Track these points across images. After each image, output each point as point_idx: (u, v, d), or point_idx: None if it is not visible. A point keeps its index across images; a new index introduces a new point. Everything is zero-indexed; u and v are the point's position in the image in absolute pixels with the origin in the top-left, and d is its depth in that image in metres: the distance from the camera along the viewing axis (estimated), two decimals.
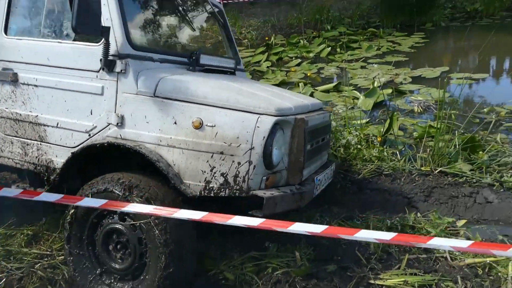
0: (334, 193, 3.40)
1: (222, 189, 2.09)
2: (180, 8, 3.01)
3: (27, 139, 2.59)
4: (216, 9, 3.47)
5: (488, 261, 2.29)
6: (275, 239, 2.61)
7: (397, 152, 3.90)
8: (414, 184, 3.40)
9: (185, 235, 2.08)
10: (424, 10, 10.67)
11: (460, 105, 5.44)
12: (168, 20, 2.95)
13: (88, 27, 2.05)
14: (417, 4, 10.51)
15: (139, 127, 2.23)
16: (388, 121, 4.32)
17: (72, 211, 2.19)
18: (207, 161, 2.11)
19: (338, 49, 8.77)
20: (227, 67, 3.10)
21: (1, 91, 2.62)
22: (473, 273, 2.25)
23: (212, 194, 2.09)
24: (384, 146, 4.09)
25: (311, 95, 6.13)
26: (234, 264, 2.45)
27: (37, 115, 2.52)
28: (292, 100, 2.50)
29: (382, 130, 4.34)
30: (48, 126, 2.49)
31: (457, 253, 2.32)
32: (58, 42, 2.45)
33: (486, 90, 6.09)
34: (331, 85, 6.41)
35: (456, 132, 3.84)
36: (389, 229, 2.60)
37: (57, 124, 2.46)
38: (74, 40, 2.43)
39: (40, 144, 2.55)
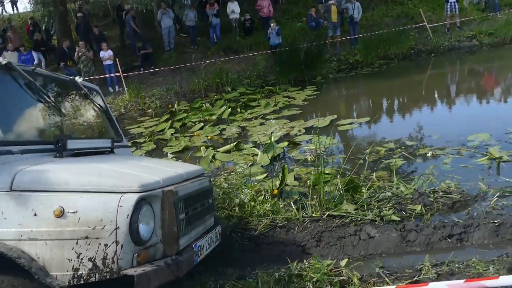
0: (232, 254, 3.45)
1: (92, 275, 2.02)
2: (49, 94, 2.94)
3: None
4: (92, 91, 3.52)
5: None
6: None
7: (291, 203, 4.10)
8: (305, 232, 3.57)
9: None
10: (313, 65, 11.77)
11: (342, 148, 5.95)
12: (34, 108, 2.87)
13: None
14: (306, 61, 11.59)
15: None
16: (280, 173, 4.58)
17: None
18: (73, 248, 2.04)
19: (239, 109, 9.21)
20: (102, 147, 3.11)
21: None
22: None
23: (82, 282, 2.02)
24: (281, 198, 4.29)
25: (213, 157, 6.30)
26: None
27: None
28: (163, 172, 2.56)
29: (277, 183, 4.57)
30: None
31: None
32: None
33: (368, 131, 6.77)
34: (231, 145, 6.63)
35: (338, 175, 4.17)
36: (277, 281, 2.68)
37: None
38: None
39: None
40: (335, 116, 7.59)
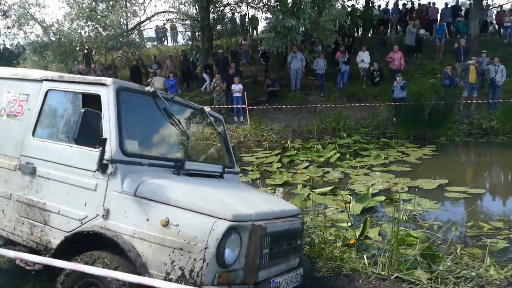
0: None
1: (179, 281, 2.38)
2: (180, 119, 3.47)
3: (34, 221, 3.06)
4: (216, 121, 4.06)
5: None
6: None
7: (364, 256, 4.09)
8: (368, 286, 3.55)
9: None
10: (438, 124, 11.18)
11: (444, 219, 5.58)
12: (165, 129, 3.46)
13: (86, 139, 2.71)
14: (431, 118, 11.09)
15: (119, 220, 2.66)
16: (362, 225, 4.59)
17: (62, 278, 2.60)
18: (169, 255, 2.45)
19: (347, 156, 9.26)
20: (214, 171, 3.57)
21: (22, 181, 3.15)
22: None
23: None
24: (356, 249, 4.29)
25: (308, 196, 6.51)
26: None
27: (45, 202, 3.01)
28: (259, 207, 2.85)
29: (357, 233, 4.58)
30: (51, 212, 2.97)
31: None
32: (69, 145, 2.98)
33: (478, 204, 6.22)
34: (328, 189, 6.78)
35: (417, 242, 4.02)
36: None
37: (59, 211, 2.93)
38: (80, 145, 2.88)
39: (44, 226, 3.01)
40: (446, 181, 7.15)
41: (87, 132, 2.70)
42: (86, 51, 17.21)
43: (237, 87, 13.09)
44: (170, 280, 2.41)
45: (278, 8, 12.98)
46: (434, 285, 3.54)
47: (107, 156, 2.74)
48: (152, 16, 16.10)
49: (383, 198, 6.31)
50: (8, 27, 17.67)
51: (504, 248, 4.55)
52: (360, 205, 5.90)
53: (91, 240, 2.69)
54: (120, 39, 15.09)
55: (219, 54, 15.95)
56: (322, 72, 14.37)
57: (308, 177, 7.68)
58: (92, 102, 3.00)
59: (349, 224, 5.20)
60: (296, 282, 3.02)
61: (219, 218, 2.44)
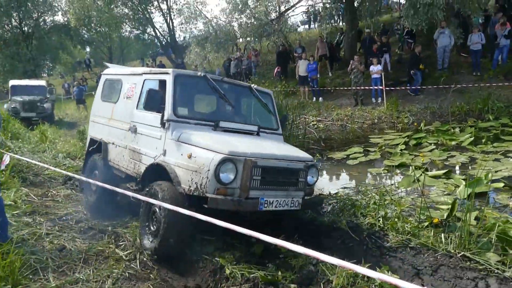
0: (357, 253, 4.08)
1: (194, 190, 3.78)
2: (226, 94, 4.73)
3: (135, 160, 4.72)
4: (265, 95, 5.22)
5: None
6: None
7: (442, 234, 4.21)
8: (431, 259, 3.77)
9: (180, 221, 3.68)
10: None
11: None
12: (212, 101, 4.96)
13: (151, 107, 4.28)
14: None
15: (169, 156, 4.14)
16: (450, 206, 4.64)
17: (143, 205, 4.05)
18: (190, 175, 3.83)
19: (484, 140, 8.57)
20: (249, 130, 4.72)
21: (131, 136, 4.86)
22: None
23: (190, 193, 3.80)
24: (439, 229, 4.42)
25: (418, 179, 6.55)
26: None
27: (140, 148, 4.66)
28: (262, 149, 4.01)
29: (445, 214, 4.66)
30: (142, 154, 4.60)
31: None
32: (150, 112, 4.52)
33: None
34: (441, 172, 6.65)
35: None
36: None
37: (145, 153, 4.53)
38: (151, 111, 4.45)
39: (139, 163, 4.62)
40: None
41: (153, 102, 4.24)
42: (239, 40, 19.28)
43: (375, 68, 13.05)
44: (190, 190, 3.78)
45: None
46: (502, 267, 3.54)
47: (165, 118, 4.26)
48: (298, 2, 16.97)
49: (501, 184, 5.93)
50: (181, 23, 20.99)
51: None
52: (468, 189, 5.72)
53: (157, 170, 4.18)
54: (266, 27, 16.46)
55: (366, 34, 15.88)
56: (477, 47, 13.01)
57: (422, 160, 7.54)
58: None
59: (447, 206, 5.24)
60: (292, 206, 4.03)
61: (218, 152, 3.73)
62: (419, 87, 13.03)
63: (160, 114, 4.32)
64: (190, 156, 3.84)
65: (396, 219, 4.33)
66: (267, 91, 5.37)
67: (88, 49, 39.43)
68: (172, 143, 4.12)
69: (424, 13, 11.31)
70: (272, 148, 4.22)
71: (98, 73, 32.88)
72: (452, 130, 9.75)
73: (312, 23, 25.72)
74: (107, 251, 3.92)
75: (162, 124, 4.27)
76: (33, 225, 4.47)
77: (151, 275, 3.56)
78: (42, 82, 19.90)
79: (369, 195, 5.42)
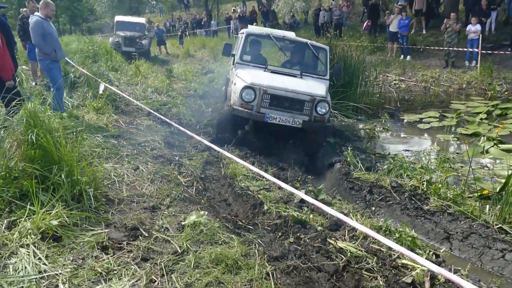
0: (395, 210, 4.27)
1: (233, 103, 5.92)
2: (283, 48, 7.00)
3: (226, 87, 7.23)
4: (320, 50, 6.82)
5: None
6: None
7: (487, 205, 4.20)
8: (464, 226, 3.85)
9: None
10: None
11: None
12: (270, 52, 7.04)
13: (228, 54, 6.84)
14: None
15: (234, 81, 6.14)
16: (505, 180, 4.51)
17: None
18: (231, 94, 6.11)
19: None
20: (293, 72, 6.44)
21: (230, 85, 6.60)
22: None
23: (231, 105, 5.96)
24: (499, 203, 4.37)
25: (487, 150, 6.29)
26: None
27: (235, 83, 6.20)
28: (280, 84, 5.80)
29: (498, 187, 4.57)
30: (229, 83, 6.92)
31: None
32: (231, 57, 6.87)
33: None
34: None
35: None
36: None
37: (235, 83, 6.25)
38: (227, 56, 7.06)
39: (228, 88, 6.91)
40: None
41: (226, 52, 6.80)
42: None
43: (473, 28, 11.96)
44: (231, 103, 6.04)
45: None
46: None
47: (235, 61, 6.59)
48: None
49: None
50: None
51: None
52: None
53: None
54: None
55: None
56: None
57: (498, 131, 7.09)
58: None
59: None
60: (293, 124, 5.63)
61: (245, 82, 5.77)
62: None
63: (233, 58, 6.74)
64: (234, 84, 5.98)
65: (440, 185, 4.37)
66: (323, 47, 6.94)
67: None
68: (234, 75, 6.21)
69: None
70: (292, 84, 5.86)
71: (193, 14, 34.08)
72: None
73: None
74: (170, 175, 4.58)
75: (234, 65, 6.59)
76: (117, 146, 5.30)
77: (202, 201, 4.15)
78: (142, 20, 21.37)
79: (427, 160, 5.41)
